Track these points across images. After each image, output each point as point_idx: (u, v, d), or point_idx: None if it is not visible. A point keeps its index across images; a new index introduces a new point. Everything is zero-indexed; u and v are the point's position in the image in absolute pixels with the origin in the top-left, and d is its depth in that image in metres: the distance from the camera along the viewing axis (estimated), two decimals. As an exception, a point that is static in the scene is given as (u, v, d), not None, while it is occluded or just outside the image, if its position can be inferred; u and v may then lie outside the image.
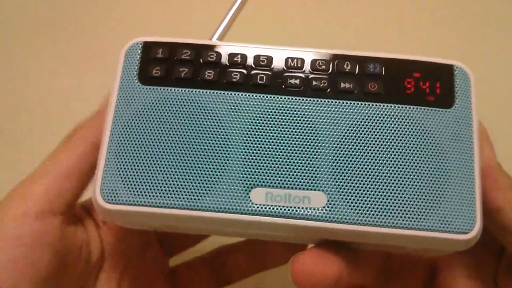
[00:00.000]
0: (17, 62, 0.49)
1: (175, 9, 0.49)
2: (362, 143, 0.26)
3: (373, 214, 0.25)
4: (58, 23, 0.50)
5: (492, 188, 0.26)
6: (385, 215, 0.25)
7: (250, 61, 0.27)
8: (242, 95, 0.26)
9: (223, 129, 0.26)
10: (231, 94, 0.26)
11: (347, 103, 0.26)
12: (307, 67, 0.27)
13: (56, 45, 0.49)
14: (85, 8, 0.51)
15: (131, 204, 0.25)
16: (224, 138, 0.26)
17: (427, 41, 0.48)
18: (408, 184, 0.25)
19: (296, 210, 0.25)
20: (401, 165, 0.25)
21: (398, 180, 0.25)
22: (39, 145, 0.42)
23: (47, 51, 0.49)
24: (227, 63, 0.27)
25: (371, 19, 0.49)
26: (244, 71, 0.27)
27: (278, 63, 0.27)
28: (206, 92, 0.27)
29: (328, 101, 0.26)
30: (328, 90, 0.26)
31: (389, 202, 0.25)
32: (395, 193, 0.25)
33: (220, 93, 0.26)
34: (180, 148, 0.26)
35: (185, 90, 0.27)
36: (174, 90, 0.27)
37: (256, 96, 0.26)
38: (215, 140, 0.26)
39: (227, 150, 0.26)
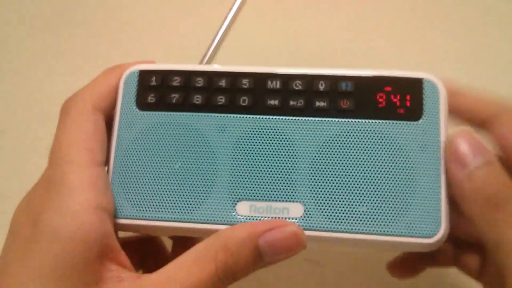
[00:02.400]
0: (17, 63, 0.50)
1: (175, 9, 0.51)
2: (335, 157, 0.28)
3: (345, 222, 0.28)
4: (59, 23, 0.51)
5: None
6: (356, 223, 0.27)
7: (233, 84, 0.30)
8: (227, 116, 0.29)
9: (211, 148, 0.29)
10: (217, 116, 0.30)
11: (321, 120, 0.29)
12: (285, 88, 0.30)
13: (56, 46, 0.50)
14: (85, 9, 0.52)
15: (133, 218, 0.29)
16: (212, 156, 0.29)
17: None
18: (377, 194, 0.28)
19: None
20: (371, 176, 0.28)
21: (368, 190, 0.28)
22: (39, 145, 0.44)
23: (47, 51, 0.50)
24: (213, 87, 0.30)
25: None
26: (228, 95, 0.30)
27: (259, 85, 0.30)
28: (195, 115, 0.30)
29: (305, 119, 0.29)
30: (305, 109, 0.29)
31: (359, 211, 0.28)
32: (365, 202, 0.28)
33: (207, 115, 0.30)
34: (174, 167, 0.29)
35: (176, 114, 0.30)
36: (167, 114, 0.30)
37: (239, 116, 0.29)
38: (204, 159, 0.29)
39: (215, 167, 0.29)
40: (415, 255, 0.34)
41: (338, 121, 0.29)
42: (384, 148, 0.28)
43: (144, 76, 0.31)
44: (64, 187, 0.27)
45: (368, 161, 0.28)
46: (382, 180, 0.28)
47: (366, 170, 0.28)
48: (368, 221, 0.28)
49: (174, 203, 0.29)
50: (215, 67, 0.31)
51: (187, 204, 0.29)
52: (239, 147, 0.29)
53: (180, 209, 0.29)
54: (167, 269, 0.27)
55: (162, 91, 0.30)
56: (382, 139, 0.28)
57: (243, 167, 0.29)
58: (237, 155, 0.29)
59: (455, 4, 0.49)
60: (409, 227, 0.27)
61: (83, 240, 0.26)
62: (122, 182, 0.29)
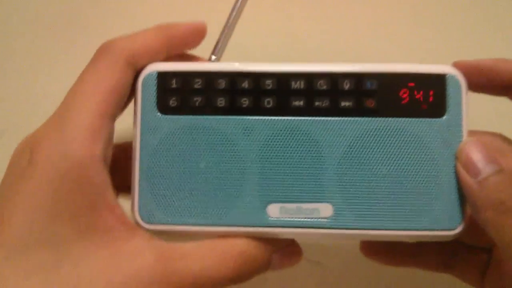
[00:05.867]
0: (18, 63, 0.49)
1: (176, 8, 0.50)
2: (362, 156, 0.29)
3: (374, 219, 0.29)
4: (60, 23, 0.50)
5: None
6: (384, 220, 0.29)
7: (256, 86, 0.29)
8: (252, 119, 0.29)
9: (238, 151, 0.29)
10: (242, 119, 0.29)
11: (347, 120, 0.29)
12: (309, 88, 0.29)
13: (57, 46, 0.49)
14: (87, 9, 0.50)
15: (165, 223, 0.29)
16: (240, 159, 0.29)
17: (423, 41, 0.48)
18: (403, 191, 0.29)
19: (308, 221, 0.29)
20: (396, 174, 0.29)
21: (394, 188, 0.29)
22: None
23: (48, 51, 0.49)
24: (236, 89, 0.29)
25: (366, 23, 0.49)
26: (252, 96, 0.29)
27: (283, 86, 0.29)
28: (219, 118, 0.29)
29: (330, 120, 0.29)
30: (330, 109, 0.29)
31: (387, 208, 0.29)
32: (392, 200, 0.29)
33: (232, 118, 0.29)
34: (202, 171, 0.29)
35: (200, 118, 0.29)
36: (191, 118, 0.30)
37: (264, 119, 0.29)
38: (231, 162, 0.29)
39: (243, 171, 0.29)
40: (397, 248, 0.35)
41: (364, 120, 0.29)
42: (409, 145, 0.29)
43: (163, 78, 0.30)
44: (68, 129, 0.27)
45: (394, 159, 0.29)
46: (408, 177, 0.29)
47: (392, 168, 0.29)
48: (395, 217, 0.29)
49: (205, 208, 0.29)
50: (236, 66, 0.30)
51: (218, 208, 0.29)
52: (266, 150, 0.29)
53: (211, 214, 0.29)
54: (186, 247, 0.28)
55: (183, 94, 0.30)
56: (407, 137, 0.29)
57: (271, 169, 0.29)
58: (264, 158, 0.29)
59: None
60: (434, 221, 0.29)
61: (81, 181, 0.26)
62: (151, 188, 0.30)
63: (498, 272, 0.32)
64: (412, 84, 0.29)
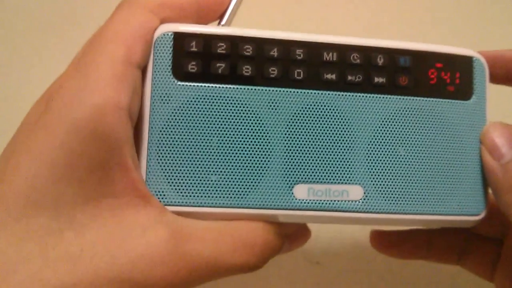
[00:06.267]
0: (18, 63, 0.47)
1: None
2: (393, 137, 0.27)
3: (404, 203, 0.27)
4: (61, 23, 0.49)
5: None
6: (414, 204, 0.27)
7: (286, 55, 0.27)
8: (279, 90, 0.27)
9: (263, 126, 0.26)
10: (269, 90, 0.26)
11: (380, 97, 0.27)
12: (342, 61, 0.27)
13: (58, 46, 0.48)
14: (88, 9, 0.49)
15: (180, 205, 0.26)
16: (265, 135, 0.26)
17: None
18: (433, 174, 0.28)
19: (337, 203, 0.27)
20: (427, 156, 0.28)
21: (424, 171, 0.27)
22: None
23: (49, 51, 0.48)
24: (264, 57, 0.27)
25: (366, 24, 0.49)
26: (281, 66, 0.27)
27: (314, 56, 0.27)
28: (244, 88, 0.26)
29: (362, 96, 0.27)
30: (362, 84, 0.27)
31: (417, 192, 0.27)
32: (422, 183, 0.27)
33: (258, 89, 0.26)
34: (222, 147, 0.26)
35: (223, 87, 0.26)
36: (212, 86, 0.26)
37: (293, 91, 0.27)
38: (255, 138, 0.26)
39: (268, 148, 0.26)
40: (409, 240, 0.35)
41: (397, 98, 0.27)
42: (438, 127, 0.28)
43: (180, 39, 0.26)
44: (88, 76, 0.23)
45: (424, 141, 0.28)
46: (437, 160, 0.28)
47: (422, 150, 0.28)
48: (424, 201, 0.27)
49: (225, 187, 0.26)
50: (265, 32, 0.27)
51: (240, 188, 0.26)
52: (294, 125, 0.27)
53: (232, 194, 0.26)
54: (200, 227, 0.25)
55: (205, 59, 0.26)
56: (437, 119, 0.28)
57: (298, 146, 0.27)
58: (291, 134, 0.27)
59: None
60: (460, 206, 0.28)
61: (99, 132, 0.23)
62: (162, 164, 0.26)
63: (509, 262, 0.32)
64: (439, 65, 0.28)
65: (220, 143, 0.26)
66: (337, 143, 0.27)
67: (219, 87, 0.26)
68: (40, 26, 0.49)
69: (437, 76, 0.28)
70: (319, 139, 0.27)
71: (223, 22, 0.29)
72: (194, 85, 0.26)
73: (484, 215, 0.28)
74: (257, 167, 0.26)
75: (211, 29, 0.27)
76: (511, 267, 0.31)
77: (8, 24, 0.49)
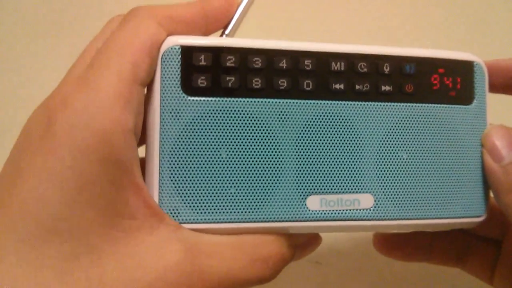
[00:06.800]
0: (18, 63, 0.47)
1: None
2: (400, 144, 0.28)
3: (412, 209, 0.28)
4: (62, 24, 0.48)
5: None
6: (423, 209, 0.28)
7: (294, 66, 0.27)
8: (289, 102, 0.26)
9: (275, 138, 0.26)
10: (278, 102, 0.26)
11: (387, 105, 0.28)
12: (350, 70, 0.27)
13: (58, 46, 0.47)
14: (89, 9, 0.48)
15: (194, 222, 0.25)
16: (277, 148, 0.26)
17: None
18: (439, 178, 0.28)
19: (349, 212, 0.27)
20: (432, 162, 0.28)
21: (431, 176, 0.28)
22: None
23: (49, 51, 0.47)
24: (273, 69, 0.26)
25: (367, 25, 0.49)
26: (290, 78, 0.27)
27: (322, 66, 0.27)
28: (254, 100, 0.26)
29: (370, 104, 0.27)
30: (370, 93, 0.27)
31: (424, 196, 0.28)
32: (429, 188, 0.28)
33: (268, 101, 0.26)
34: (235, 161, 0.26)
35: (233, 100, 0.26)
36: (222, 100, 0.26)
37: (303, 102, 0.27)
38: (267, 151, 0.26)
39: (280, 160, 0.26)
40: (411, 243, 0.35)
41: (403, 105, 0.28)
42: (442, 133, 0.28)
43: (188, 53, 0.26)
44: (94, 95, 0.23)
45: (430, 147, 0.28)
46: (441, 165, 0.28)
47: (428, 156, 0.28)
48: (431, 206, 0.28)
49: (238, 202, 0.26)
50: (272, 43, 0.27)
51: (254, 202, 0.26)
52: (304, 136, 0.27)
53: (247, 208, 0.26)
54: (214, 242, 0.25)
55: (214, 72, 0.26)
56: (440, 124, 0.28)
57: (310, 158, 0.27)
58: (302, 145, 0.27)
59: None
60: (464, 208, 0.29)
61: (108, 158, 0.23)
62: (175, 182, 0.25)
63: (508, 263, 0.33)
64: (442, 71, 0.29)
65: (233, 158, 0.26)
66: (347, 152, 0.27)
67: (230, 100, 0.26)
68: (40, 27, 0.48)
69: (439, 82, 0.29)
70: (330, 149, 0.27)
71: (227, 31, 0.29)
72: (204, 100, 0.26)
73: (486, 216, 0.29)
74: (271, 180, 0.26)
75: (219, 41, 0.26)
76: (509, 268, 0.33)
77: (8, 24, 0.48)
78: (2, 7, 0.48)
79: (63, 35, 0.48)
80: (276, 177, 0.26)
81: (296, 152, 0.27)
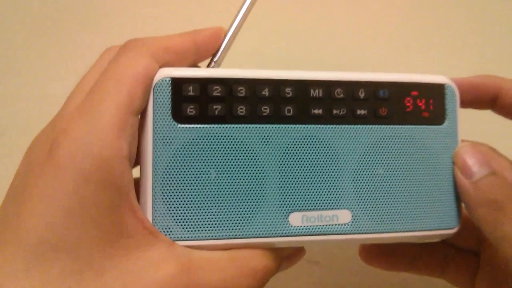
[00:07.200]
0: (18, 63, 0.47)
1: (179, 12, 0.48)
2: (375, 163, 0.30)
3: (388, 223, 0.30)
4: (61, 24, 0.48)
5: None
6: (398, 222, 0.30)
7: (276, 93, 0.29)
8: (272, 127, 0.29)
9: (259, 161, 0.29)
10: (262, 127, 0.29)
11: (362, 127, 0.30)
12: (327, 96, 0.30)
13: (58, 46, 0.47)
14: (89, 10, 0.49)
15: (185, 239, 0.28)
16: (260, 169, 0.29)
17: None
18: (413, 194, 0.30)
19: (328, 227, 0.29)
20: (407, 179, 0.30)
21: (405, 192, 0.30)
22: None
23: (49, 52, 0.47)
24: (256, 97, 0.29)
25: (367, 27, 0.50)
26: (272, 105, 0.29)
27: (302, 94, 0.29)
28: (239, 126, 0.28)
29: (347, 127, 0.30)
30: (346, 117, 0.30)
31: (400, 211, 0.30)
32: (403, 203, 0.30)
33: (252, 127, 0.29)
34: (222, 183, 0.28)
35: (219, 127, 0.28)
36: (209, 127, 0.28)
37: (285, 127, 0.29)
38: (252, 172, 0.29)
39: (264, 181, 0.29)
40: (396, 254, 0.37)
41: (377, 127, 0.30)
42: (415, 151, 0.31)
43: (178, 84, 0.28)
44: (93, 125, 0.25)
45: (403, 165, 0.30)
46: (415, 182, 0.31)
47: (403, 173, 0.30)
48: (406, 220, 0.30)
49: (226, 220, 0.28)
50: (254, 72, 0.29)
51: (239, 220, 0.28)
52: (286, 158, 0.29)
53: (233, 226, 0.28)
54: (206, 257, 0.28)
55: (202, 102, 0.28)
56: (414, 144, 0.31)
57: (291, 178, 0.29)
58: (284, 166, 0.29)
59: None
60: (438, 221, 0.31)
61: (107, 183, 0.25)
62: (168, 203, 0.28)
63: (486, 273, 0.35)
64: (415, 93, 0.31)
65: (220, 179, 0.28)
66: (326, 172, 0.29)
67: (216, 127, 0.28)
68: (40, 27, 0.49)
69: (413, 104, 0.31)
70: (310, 169, 0.29)
71: (216, 58, 0.31)
72: (193, 127, 0.28)
73: (459, 228, 0.31)
74: (256, 199, 0.29)
75: (206, 72, 0.29)
76: (489, 278, 0.35)
77: (8, 24, 0.49)
78: (2, 7, 0.49)
79: (63, 35, 0.49)
80: (260, 196, 0.29)
81: (279, 172, 0.29)
